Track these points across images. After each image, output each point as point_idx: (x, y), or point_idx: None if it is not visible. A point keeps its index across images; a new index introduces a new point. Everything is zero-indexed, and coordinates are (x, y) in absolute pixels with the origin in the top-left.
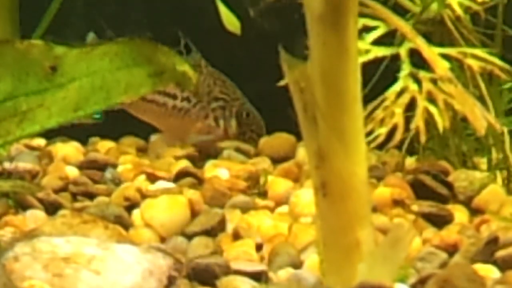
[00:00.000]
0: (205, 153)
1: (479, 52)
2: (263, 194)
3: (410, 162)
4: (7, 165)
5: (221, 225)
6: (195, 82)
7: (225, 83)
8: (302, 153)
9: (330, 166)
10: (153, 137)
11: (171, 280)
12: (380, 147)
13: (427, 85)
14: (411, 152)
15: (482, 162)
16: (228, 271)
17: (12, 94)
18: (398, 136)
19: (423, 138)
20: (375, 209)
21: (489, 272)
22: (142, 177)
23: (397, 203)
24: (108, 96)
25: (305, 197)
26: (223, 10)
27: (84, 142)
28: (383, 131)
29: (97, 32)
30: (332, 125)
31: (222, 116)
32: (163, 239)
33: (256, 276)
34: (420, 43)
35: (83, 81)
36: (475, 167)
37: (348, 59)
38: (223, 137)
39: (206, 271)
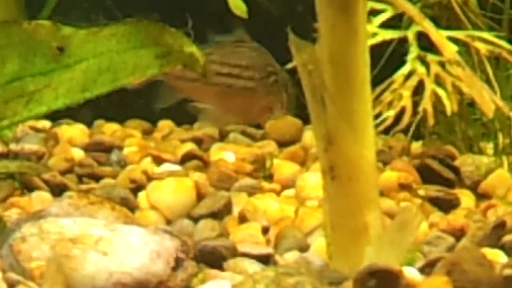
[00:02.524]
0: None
1: (486, 35)
2: (269, 177)
3: (416, 146)
4: (13, 146)
5: (227, 208)
6: (203, 63)
7: (267, 56)
8: (308, 136)
9: (338, 149)
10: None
11: (178, 261)
12: (386, 131)
13: (435, 68)
14: (417, 136)
15: (489, 147)
16: (235, 253)
17: (19, 74)
18: (406, 119)
19: (431, 121)
20: (381, 193)
21: (496, 256)
22: (148, 159)
23: (404, 187)
24: (115, 78)
25: (312, 180)
26: None
27: (89, 124)
28: (391, 114)
29: (104, 13)
30: (341, 108)
31: (278, 91)
32: (169, 222)
33: (263, 259)
34: (428, 26)
35: (90, 62)
36: (481, 152)
37: (357, 42)
38: (282, 111)
39: (213, 253)
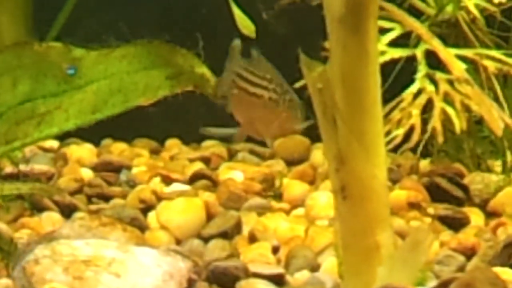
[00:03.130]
0: None
1: (494, 53)
2: (279, 197)
3: (425, 164)
4: (22, 167)
5: (237, 228)
6: (213, 84)
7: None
8: (316, 155)
9: (350, 169)
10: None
11: (190, 283)
12: (394, 149)
13: (444, 86)
14: (424, 154)
15: (497, 164)
16: (246, 274)
17: (30, 96)
18: (415, 137)
19: (440, 139)
20: (391, 212)
21: (508, 275)
22: (157, 179)
23: (413, 206)
24: (126, 99)
25: (321, 199)
26: (237, 13)
27: (96, 144)
28: (400, 132)
29: (115, 34)
30: (352, 128)
31: (294, 108)
32: (179, 242)
33: (274, 279)
34: (436, 44)
35: (101, 83)
36: (489, 170)
37: (368, 61)
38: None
39: (225, 274)
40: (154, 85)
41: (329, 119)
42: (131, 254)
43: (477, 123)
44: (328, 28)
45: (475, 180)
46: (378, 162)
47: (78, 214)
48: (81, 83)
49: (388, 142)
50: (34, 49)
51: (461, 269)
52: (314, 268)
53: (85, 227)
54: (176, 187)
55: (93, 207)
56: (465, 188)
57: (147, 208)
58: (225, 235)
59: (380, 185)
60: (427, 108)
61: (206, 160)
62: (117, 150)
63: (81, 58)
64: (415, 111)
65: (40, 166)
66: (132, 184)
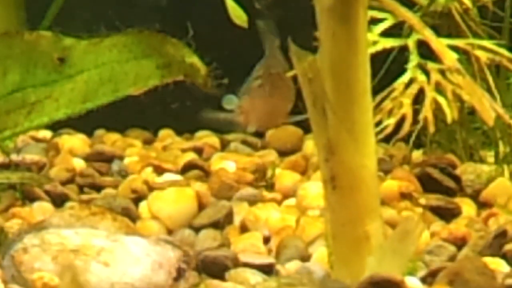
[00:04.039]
0: None
1: (487, 43)
2: (271, 187)
3: (417, 155)
4: (14, 156)
5: (228, 218)
6: (203, 74)
7: None
8: (309, 146)
9: (339, 159)
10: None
11: (180, 272)
12: (387, 139)
13: (435, 76)
14: (418, 145)
15: (489, 155)
16: (236, 263)
17: (20, 85)
18: (406, 126)
19: (431, 129)
20: (382, 202)
21: (498, 265)
22: (149, 169)
23: (405, 196)
24: (117, 88)
25: (313, 190)
26: (230, 3)
27: (89, 134)
28: (391, 122)
29: (106, 23)
30: (342, 118)
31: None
32: (170, 232)
33: (265, 269)
34: (428, 35)
35: (91, 73)
36: (482, 161)
37: (357, 51)
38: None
39: (215, 264)
40: (145, 75)
41: (318, 109)
42: (120, 243)
43: (469, 113)
44: (318, 17)
45: (467, 171)
46: (368, 152)
47: (69, 204)
48: (71, 73)
49: (380, 132)
50: (24, 38)
51: (452, 259)
52: (305, 258)
53: (75, 217)
54: (168, 177)
55: (84, 197)
56: (457, 179)
57: (138, 198)
58: (217, 225)
59: (369, 175)
60: (419, 99)
61: (198, 150)
62: (110, 140)
63: (71, 47)
64: (407, 101)
65: (32, 156)
66: (124, 174)
